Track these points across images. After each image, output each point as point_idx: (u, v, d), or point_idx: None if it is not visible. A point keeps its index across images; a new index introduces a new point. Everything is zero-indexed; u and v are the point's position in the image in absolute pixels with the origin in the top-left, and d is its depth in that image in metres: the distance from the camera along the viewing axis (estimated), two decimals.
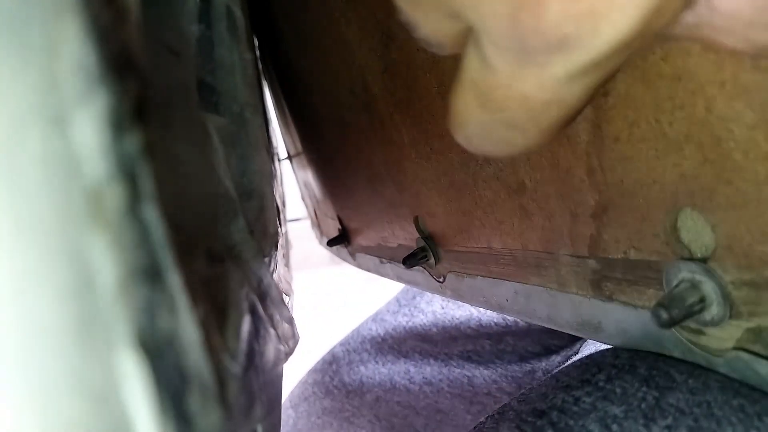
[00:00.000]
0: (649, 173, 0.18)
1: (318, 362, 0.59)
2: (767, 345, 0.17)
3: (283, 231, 0.51)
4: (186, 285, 0.09)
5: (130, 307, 0.07)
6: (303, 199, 0.65)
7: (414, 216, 0.36)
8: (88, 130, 0.07)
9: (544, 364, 0.49)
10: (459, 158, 0.28)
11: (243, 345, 0.14)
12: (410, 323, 0.54)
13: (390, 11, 0.27)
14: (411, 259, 0.36)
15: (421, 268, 0.38)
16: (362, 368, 0.54)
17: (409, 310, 0.55)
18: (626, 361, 0.21)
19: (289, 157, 0.64)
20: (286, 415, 0.57)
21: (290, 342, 0.22)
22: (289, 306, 0.39)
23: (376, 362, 0.54)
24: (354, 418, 0.53)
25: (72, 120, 0.07)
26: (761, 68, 0.14)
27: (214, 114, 0.23)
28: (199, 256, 0.13)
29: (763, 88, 0.14)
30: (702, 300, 0.17)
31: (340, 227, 0.52)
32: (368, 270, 0.49)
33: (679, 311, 0.17)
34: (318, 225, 0.61)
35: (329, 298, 1.66)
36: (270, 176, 0.26)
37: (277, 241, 0.24)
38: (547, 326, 0.27)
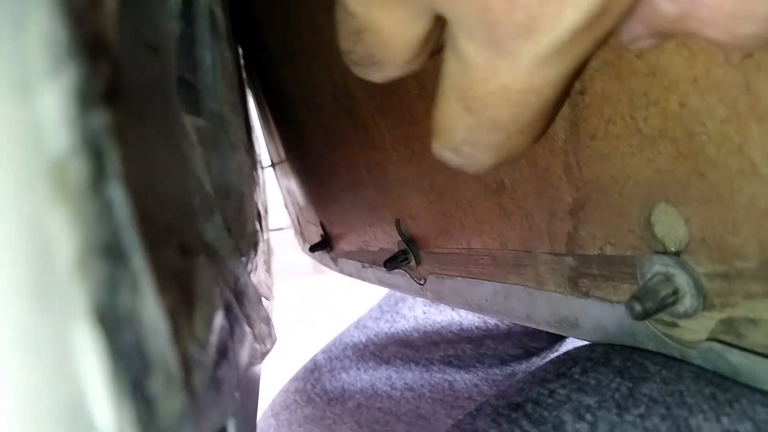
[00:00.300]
0: (624, 169, 0.19)
1: (299, 370, 0.58)
2: (739, 335, 0.17)
3: (265, 237, 0.51)
4: (154, 271, 0.09)
5: (89, 280, 0.07)
6: (286, 207, 0.65)
7: (395, 219, 0.37)
8: (54, 102, 0.07)
9: (524, 366, 0.49)
10: (440, 160, 0.29)
11: (214, 338, 0.14)
12: (392, 329, 0.54)
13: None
14: (392, 262, 0.36)
15: (402, 271, 0.38)
16: (344, 375, 0.54)
17: (392, 316, 0.55)
18: (601, 355, 0.21)
19: (273, 165, 0.64)
20: (267, 424, 0.56)
21: (267, 342, 0.22)
22: (268, 310, 0.39)
23: (358, 369, 0.54)
24: (335, 426, 0.52)
25: (38, 91, 0.07)
26: (732, 63, 0.14)
27: (194, 111, 0.22)
28: (170, 247, 0.13)
29: (735, 83, 0.15)
30: (675, 292, 0.18)
31: (322, 233, 0.52)
32: (350, 275, 0.49)
33: (653, 304, 0.17)
34: (301, 232, 0.61)
35: (312, 304, 1.65)
36: (250, 177, 0.26)
37: (255, 242, 0.24)
38: (526, 325, 0.27)
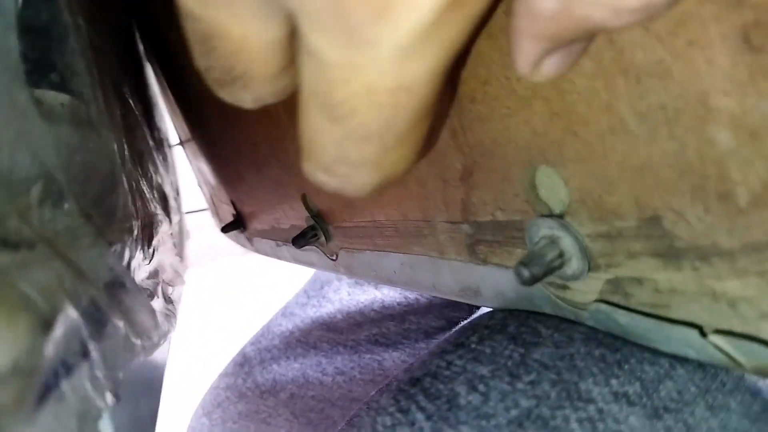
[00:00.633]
0: (504, 132, 0.18)
1: (228, 365, 0.57)
2: (626, 295, 0.17)
3: (176, 220, 0.49)
4: None
5: None
6: (199, 186, 0.62)
7: (302, 194, 0.35)
8: None
9: None
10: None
11: (54, 339, 0.13)
12: (317, 314, 0.53)
13: None
14: (301, 239, 0.35)
15: (315, 248, 0.37)
16: (275, 366, 0.53)
17: (318, 301, 0.54)
18: (499, 321, 0.21)
19: (182, 144, 0.61)
20: (200, 423, 0.55)
21: (153, 334, 0.20)
22: (176, 296, 0.37)
23: (288, 358, 0.53)
24: (271, 419, 0.51)
25: None
26: None
27: (57, 86, 0.20)
28: None
29: (599, 36, 0.14)
30: (561, 255, 0.17)
31: (234, 212, 0.50)
32: (266, 254, 0.48)
33: (540, 268, 0.17)
34: (216, 212, 0.59)
35: (240, 285, 1.61)
36: (125, 157, 0.24)
37: (129, 227, 0.22)
38: (433, 295, 0.27)
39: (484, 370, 0.18)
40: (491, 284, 0.22)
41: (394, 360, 0.50)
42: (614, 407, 0.17)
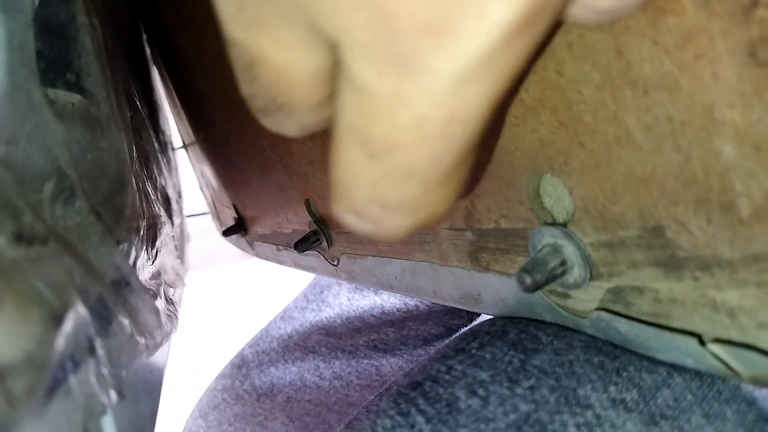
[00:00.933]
0: (511, 140, 0.18)
1: (226, 367, 0.57)
2: (627, 304, 0.17)
3: (177, 222, 0.49)
4: None
5: None
6: (201, 190, 0.63)
7: (305, 198, 0.35)
8: None
9: None
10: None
11: (64, 334, 0.13)
12: (317, 318, 0.53)
13: None
14: (303, 243, 0.35)
15: (316, 253, 0.37)
16: (272, 369, 0.53)
17: (317, 305, 0.54)
18: (499, 328, 0.21)
19: (185, 147, 0.61)
20: (196, 425, 0.55)
21: (156, 334, 0.21)
22: (177, 297, 0.37)
23: (285, 361, 0.53)
24: (267, 422, 0.51)
25: None
26: (603, 27, 0.14)
27: (69, 86, 0.21)
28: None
29: (607, 48, 0.14)
30: (563, 263, 0.18)
31: (236, 216, 0.50)
32: (267, 259, 0.48)
33: (542, 275, 0.17)
34: (217, 216, 0.59)
35: (238, 290, 1.61)
36: (134, 157, 0.24)
37: (137, 227, 0.22)
38: (435, 302, 0.27)
39: (484, 375, 0.19)
40: (492, 291, 0.23)
41: (392, 366, 0.50)
42: (612, 413, 0.17)
